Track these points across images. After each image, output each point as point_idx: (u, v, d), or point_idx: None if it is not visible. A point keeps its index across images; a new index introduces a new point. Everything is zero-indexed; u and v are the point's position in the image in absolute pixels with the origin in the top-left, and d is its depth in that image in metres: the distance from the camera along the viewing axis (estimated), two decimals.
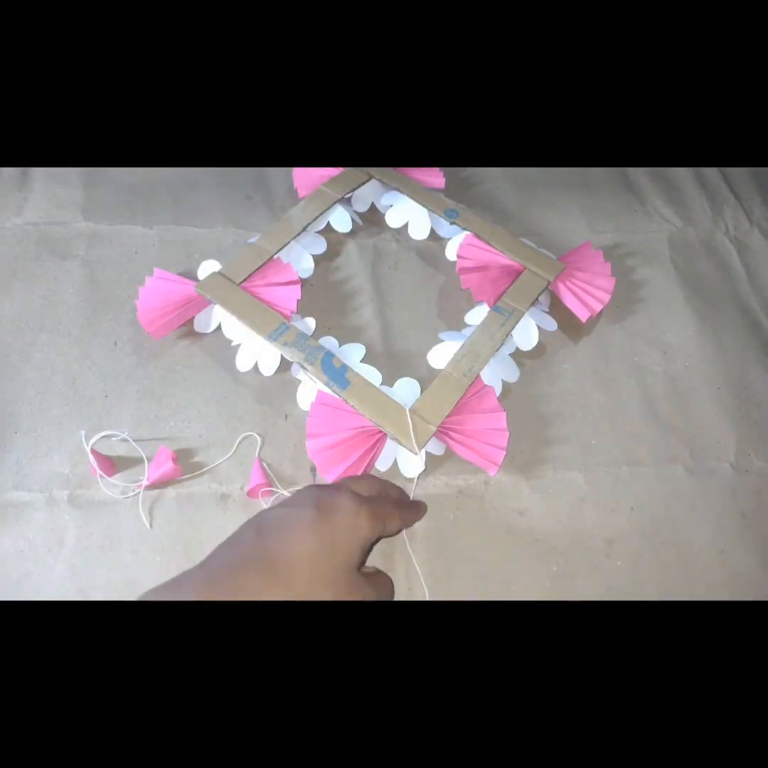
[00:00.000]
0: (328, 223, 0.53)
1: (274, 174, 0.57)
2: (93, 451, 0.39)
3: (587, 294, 0.49)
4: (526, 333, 0.48)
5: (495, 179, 0.60)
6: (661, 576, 0.40)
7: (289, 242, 0.49)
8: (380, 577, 0.35)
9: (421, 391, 0.44)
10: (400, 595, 0.38)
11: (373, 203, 0.55)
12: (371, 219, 0.55)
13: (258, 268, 0.47)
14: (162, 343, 0.46)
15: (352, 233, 0.54)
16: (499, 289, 0.49)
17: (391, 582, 0.35)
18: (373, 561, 0.39)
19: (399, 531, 0.37)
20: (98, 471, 0.39)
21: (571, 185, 0.60)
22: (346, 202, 0.54)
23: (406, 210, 0.54)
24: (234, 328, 0.46)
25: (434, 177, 0.56)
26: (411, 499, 0.40)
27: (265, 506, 0.40)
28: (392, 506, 0.35)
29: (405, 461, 0.42)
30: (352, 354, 0.46)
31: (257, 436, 0.43)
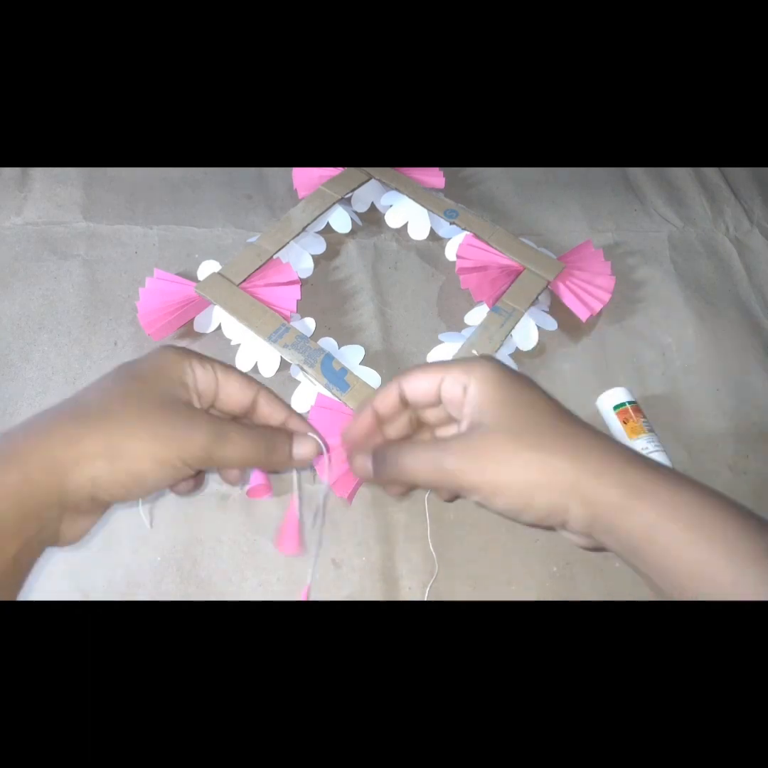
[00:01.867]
0: (328, 224, 0.53)
1: (274, 174, 0.57)
2: None
3: (587, 293, 0.49)
4: (526, 333, 0.48)
5: (495, 179, 0.60)
6: None
7: (288, 242, 0.49)
8: (231, 425, 0.29)
9: None
10: (401, 595, 0.39)
11: (372, 203, 0.55)
12: (371, 219, 0.55)
13: (258, 269, 0.47)
14: (162, 344, 0.46)
15: (352, 233, 0.54)
16: (499, 290, 0.49)
17: (255, 435, 0.30)
18: (374, 560, 0.39)
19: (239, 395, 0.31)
20: None
21: (571, 185, 0.60)
22: (346, 202, 0.54)
23: (406, 210, 0.54)
24: (234, 328, 0.46)
25: (434, 177, 0.56)
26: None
27: (265, 506, 0.40)
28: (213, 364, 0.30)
29: None
30: (352, 356, 0.46)
31: None
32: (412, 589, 0.39)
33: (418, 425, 0.34)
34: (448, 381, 0.30)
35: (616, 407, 0.45)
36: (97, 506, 0.26)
